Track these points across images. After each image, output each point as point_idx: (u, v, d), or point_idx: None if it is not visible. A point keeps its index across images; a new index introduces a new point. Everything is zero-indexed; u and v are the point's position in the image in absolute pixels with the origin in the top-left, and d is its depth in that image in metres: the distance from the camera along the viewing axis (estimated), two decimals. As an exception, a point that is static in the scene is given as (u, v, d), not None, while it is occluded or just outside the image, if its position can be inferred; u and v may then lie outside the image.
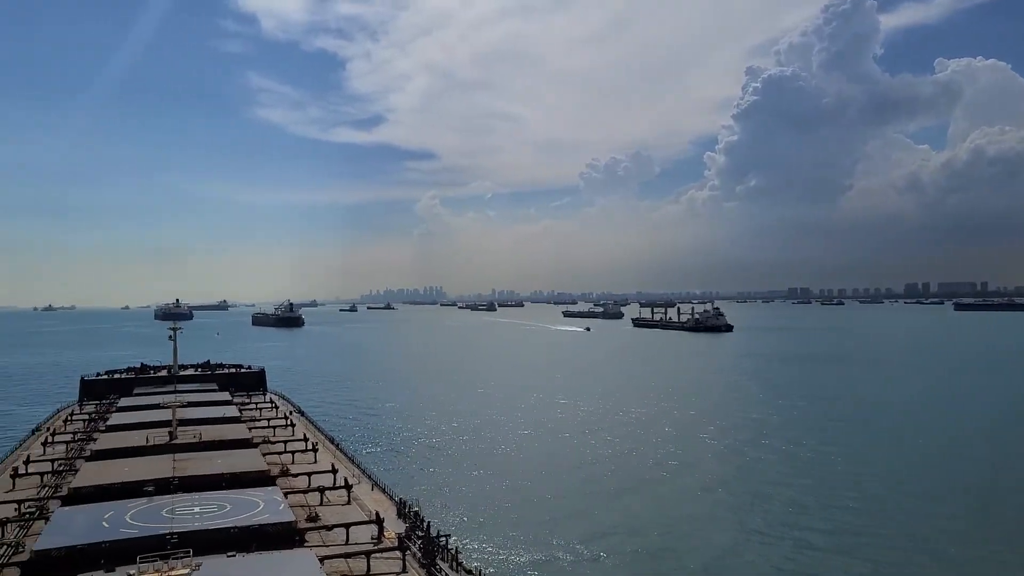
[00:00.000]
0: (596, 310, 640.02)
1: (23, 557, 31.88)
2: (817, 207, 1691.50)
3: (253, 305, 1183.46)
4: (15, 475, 49.03)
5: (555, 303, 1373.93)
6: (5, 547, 33.82)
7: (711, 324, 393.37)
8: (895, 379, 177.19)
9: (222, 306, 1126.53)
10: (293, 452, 56.03)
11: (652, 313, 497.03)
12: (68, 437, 64.83)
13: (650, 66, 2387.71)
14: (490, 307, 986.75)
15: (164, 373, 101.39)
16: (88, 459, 51.38)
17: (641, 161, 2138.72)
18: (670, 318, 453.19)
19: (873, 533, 63.14)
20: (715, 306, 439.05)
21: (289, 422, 70.77)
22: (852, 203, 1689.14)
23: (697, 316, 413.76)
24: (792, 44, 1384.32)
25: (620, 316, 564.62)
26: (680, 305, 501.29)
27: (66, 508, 38.26)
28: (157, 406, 72.35)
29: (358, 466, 55.30)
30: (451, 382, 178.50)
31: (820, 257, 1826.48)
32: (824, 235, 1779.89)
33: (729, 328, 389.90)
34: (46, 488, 46.50)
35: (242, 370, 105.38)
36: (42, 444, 61.72)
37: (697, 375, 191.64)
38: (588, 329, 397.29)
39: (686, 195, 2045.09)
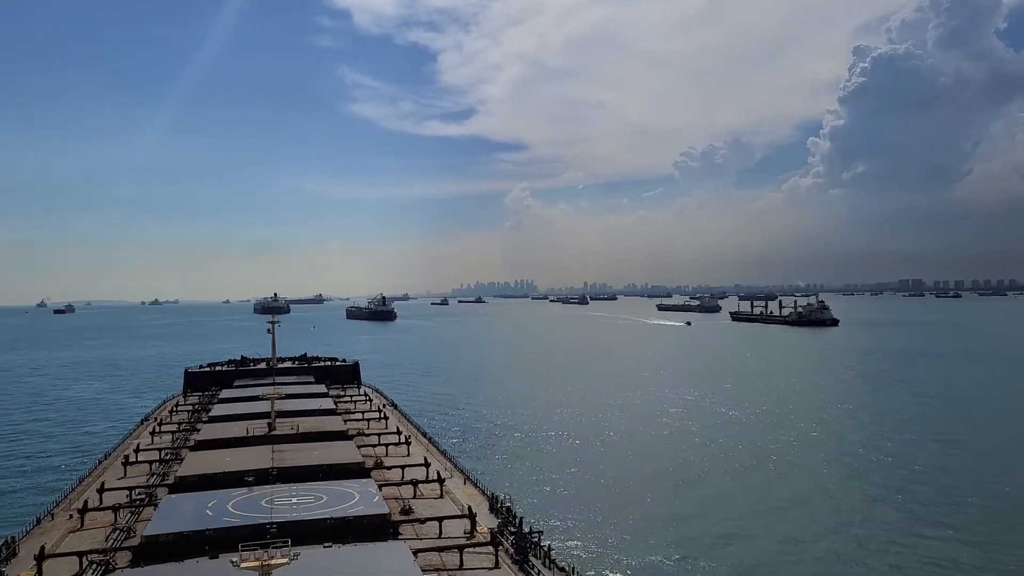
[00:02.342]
0: (692, 303, 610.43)
1: (134, 542, 33.25)
2: (931, 194, 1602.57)
3: (347, 299, 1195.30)
4: (126, 463, 51.44)
5: (649, 296, 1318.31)
6: (118, 531, 35.53)
7: (815, 318, 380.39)
8: None
9: (318, 300, 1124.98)
10: (387, 445, 56.62)
11: (752, 307, 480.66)
12: (173, 427, 67.35)
13: (748, 48, 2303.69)
14: (582, 300, 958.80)
15: (263, 366, 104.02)
16: (192, 449, 53.06)
17: (739, 148, 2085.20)
18: (771, 312, 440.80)
19: None
20: (819, 299, 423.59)
21: (383, 415, 71.61)
22: (971, 189, 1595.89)
23: (800, 310, 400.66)
24: (905, 20, 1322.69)
25: (717, 310, 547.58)
26: (782, 298, 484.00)
27: (173, 496, 39.49)
28: (256, 398, 74.02)
29: (450, 460, 55.49)
30: (546, 377, 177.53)
31: (934, 247, 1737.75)
32: (939, 223, 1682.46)
33: (835, 322, 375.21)
34: (154, 476, 48.45)
35: (337, 363, 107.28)
36: (150, 433, 64.36)
37: (807, 372, 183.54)
38: (689, 324, 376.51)
39: (788, 183, 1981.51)
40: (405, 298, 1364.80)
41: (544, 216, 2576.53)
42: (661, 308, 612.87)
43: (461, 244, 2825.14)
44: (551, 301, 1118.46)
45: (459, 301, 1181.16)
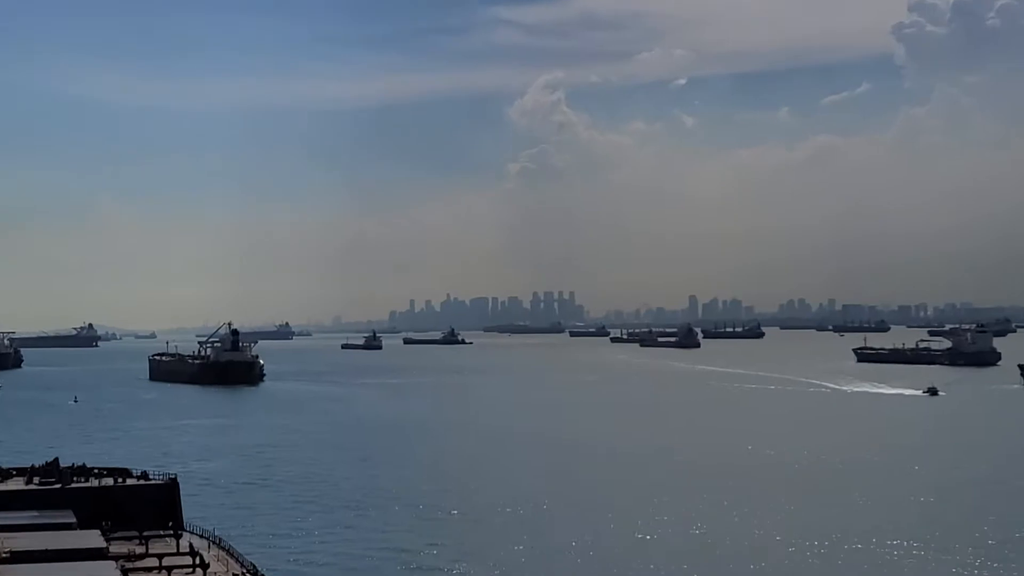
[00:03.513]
0: (933, 346, 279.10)
1: None
2: None
3: (152, 335, 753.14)
4: None
5: (834, 330, 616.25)
6: None
7: None
8: None
9: (86, 337, 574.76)
10: None
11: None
12: None
13: None
14: (684, 338, 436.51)
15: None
16: None
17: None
18: None
19: None
20: None
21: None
22: None
23: None
24: None
25: (992, 359, 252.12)
26: None
27: None
28: None
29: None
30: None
31: None
32: None
33: None
34: None
35: (131, 482, 53.26)
36: None
37: None
38: (933, 392, 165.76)
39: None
40: (286, 333, 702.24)
41: (596, 150, 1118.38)
42: (863, 355, 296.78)
43: (416, 218, 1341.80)
44: (613, 340, 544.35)
45: (406, 340, 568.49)
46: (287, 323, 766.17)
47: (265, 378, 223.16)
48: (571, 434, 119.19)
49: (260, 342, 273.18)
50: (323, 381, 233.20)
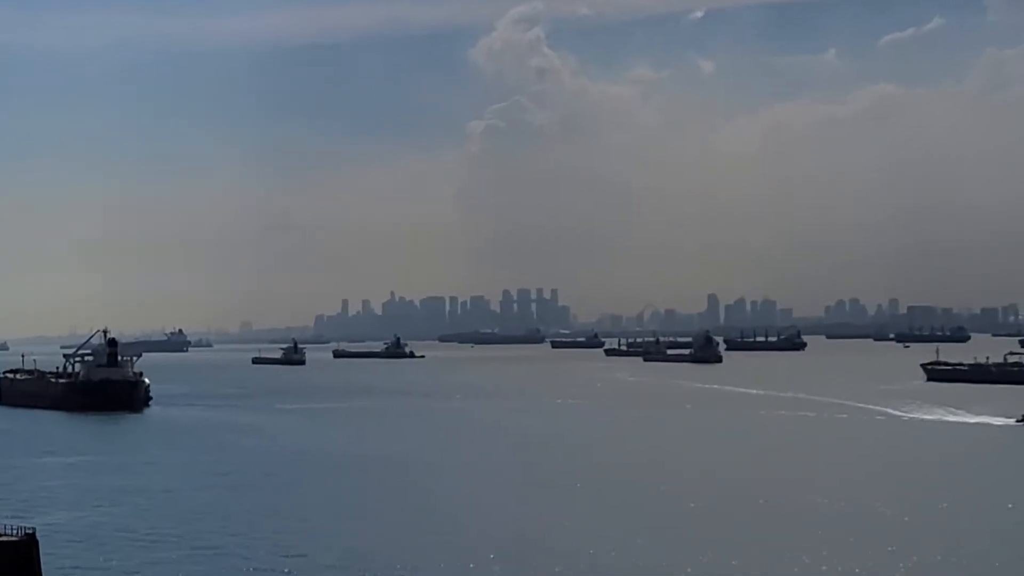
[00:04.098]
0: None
1: None
2: None
3: (3, 346, 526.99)
4: None
5: (896, 340, 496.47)
6: None
7: None
8: None
9: None
10: None
11: None
12: None
13: None
14: (701, 350, 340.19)
15: None
16: None
17: None
18: None
19: None
20: None
21: None
22: None
23: None
24: None
25: None
26: None
27: None
28: None
29: None
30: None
31: None
32: None
33: None
34: None
35: None
36: None
37: None
38: None
39: None
40: (180, 344, 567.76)
41: (586, 104, 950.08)
42: (935, 372, 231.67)
43: (352, 192, 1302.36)
44: (609, 352, 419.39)
45: (337, 354, 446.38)
46: (181, 330, 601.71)
47: (152, 402, 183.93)
48: (546, 477, 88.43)
49: (146, 355, 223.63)
50: (228, 406, 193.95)
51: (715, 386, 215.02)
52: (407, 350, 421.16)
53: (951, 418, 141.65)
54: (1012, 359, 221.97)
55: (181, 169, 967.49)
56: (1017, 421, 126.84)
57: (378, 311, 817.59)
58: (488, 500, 75.35)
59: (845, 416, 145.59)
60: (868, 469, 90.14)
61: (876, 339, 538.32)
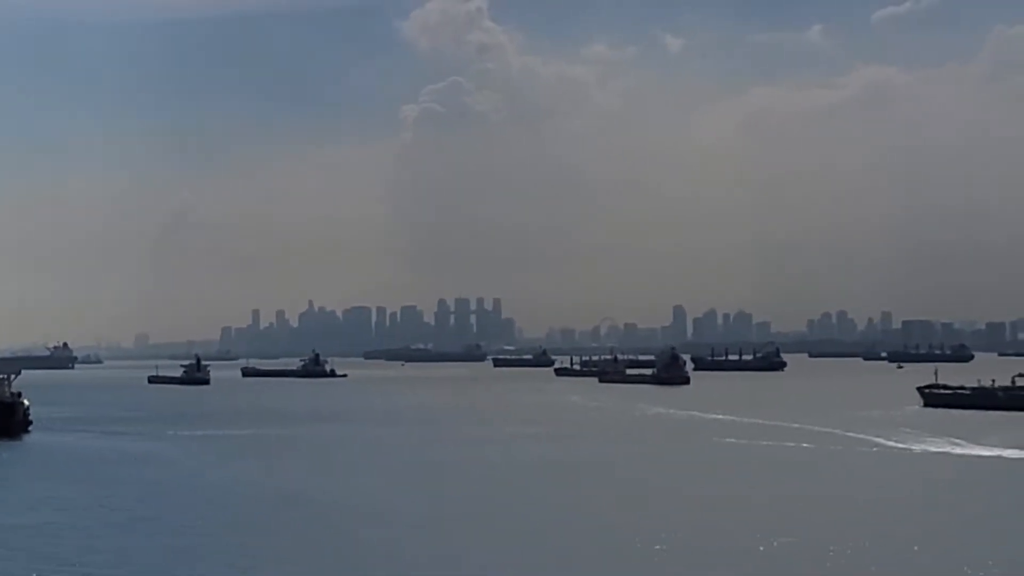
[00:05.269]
0: None
1: None
2: None
3: None
4: None
5: (888, 359, 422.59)
6: None
7: None
8: None
9: None
10: None
11: None
12: None
13: None
14: (666, 370, 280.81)
15: None
16: None
17: None
18: None
19: None
20: None
21: None
22: None
23: None
24: None
25: None
26: None
27: None
28: None
29: None
30: None
31: None
32: None
33: None
34: None
35: None
36: None
37: None
38: None
39: None
40: (65, 360, 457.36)
41: (535, 87, 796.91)
42: (933, 397, 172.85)
43: (265, 186, 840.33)
44: (559, 371, 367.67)
45: (246, 372, 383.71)
46: (66, 344, 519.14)
47: (32, 427, 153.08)
48: (490, 524, 67.00)
49: (25, 372, 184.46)
50: (120, 433, 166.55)
51: (682, 411, 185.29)
52: (327, 368, 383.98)
53: (956, 450, 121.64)
54: (1021, 382, 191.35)
55: (63, 158, 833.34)
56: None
57: (294, 323, 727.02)
58: (415, 551, 57.37)
59: (834, 447, 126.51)
60: (858, 508, 72.37)
61: (866, 358, 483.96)
